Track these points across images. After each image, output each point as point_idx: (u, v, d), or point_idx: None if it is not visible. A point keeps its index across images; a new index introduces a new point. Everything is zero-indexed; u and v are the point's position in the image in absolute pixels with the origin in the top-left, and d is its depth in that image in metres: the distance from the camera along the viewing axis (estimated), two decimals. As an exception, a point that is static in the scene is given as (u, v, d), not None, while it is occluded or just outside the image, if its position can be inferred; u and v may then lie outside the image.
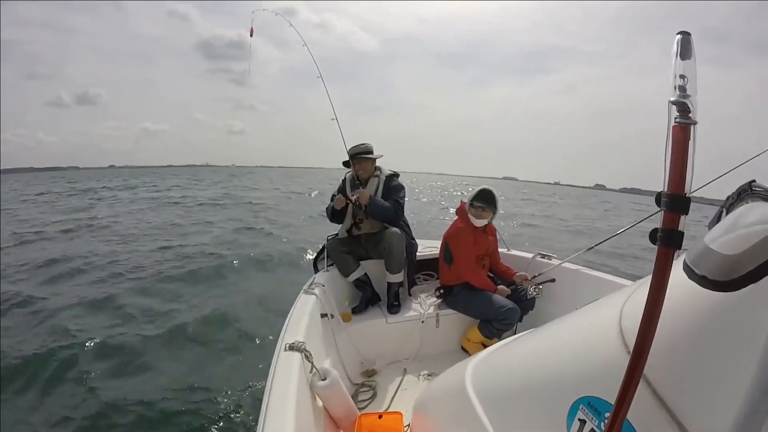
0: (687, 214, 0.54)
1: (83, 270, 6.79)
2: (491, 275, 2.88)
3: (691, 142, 0.53)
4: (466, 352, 2.82)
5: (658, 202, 0.55)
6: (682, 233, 0.53)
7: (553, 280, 2.82)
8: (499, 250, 3.06)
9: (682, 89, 0.54)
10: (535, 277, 2.83)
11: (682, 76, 0.54)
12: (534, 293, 2.71)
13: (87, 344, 4.03)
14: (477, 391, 1.02)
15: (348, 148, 2.96)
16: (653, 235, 0.55)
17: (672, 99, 0.54)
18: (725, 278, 0.52)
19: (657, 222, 0.56)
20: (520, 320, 2.66)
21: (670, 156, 0.53)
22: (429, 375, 2.57)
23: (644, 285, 0.76)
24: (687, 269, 0.59)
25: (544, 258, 3.06)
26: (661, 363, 0.57)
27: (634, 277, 2.61)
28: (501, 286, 2.74)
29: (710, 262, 0.55)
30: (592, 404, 0.66)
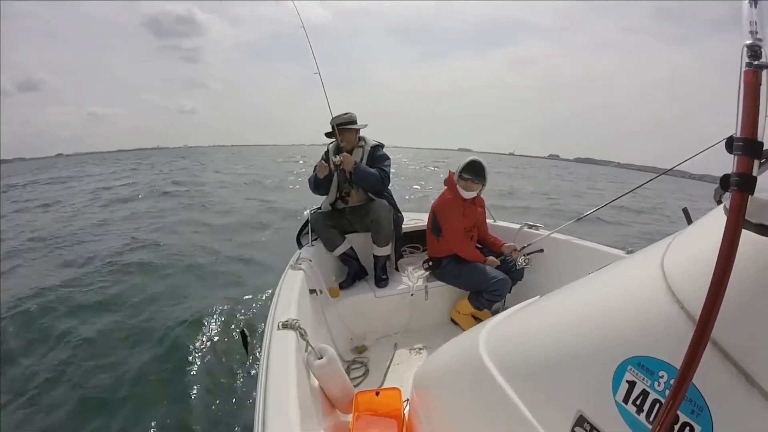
0: (760, 158, 0.52)
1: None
2: (479, 246, 2.84)
3: (763, 87, 0.51)
4: (456, 324, 2.81)
5: (729, 147, 0.53)
6: (756, 178, 0.52)
7: (541, 251, 2.80)
8: (487, 221, 3.02)
9: (754, 34, 0.52)
10: (524, 247, 2.81)
11: (753, 23, 0.52)
12: (523, 264, 2.69)
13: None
14: (495, 361, 0.96)
15: (331, 117, 2.82)
16: (725, 181, 0.54)
17: (747, 42, 0.52)
18: None
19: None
20: (510, 291, 2.64)
21: (742, 101, 0.52)
22: (420, 349, 2.55)
23: (683, 236, 0.72)
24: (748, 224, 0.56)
25: (531, 228, 3.04)
26: (728, 320, 0.53)
27: (617, 246, 2.64)
28: (490, 257, 2.71)
29: None
30: (643, 364, 0.62)
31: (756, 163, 0.52)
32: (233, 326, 3.95)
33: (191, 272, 5.66)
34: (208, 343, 3.66)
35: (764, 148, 0.52)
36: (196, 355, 3.47)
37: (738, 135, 0.52)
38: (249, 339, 3.59)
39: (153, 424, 2.69)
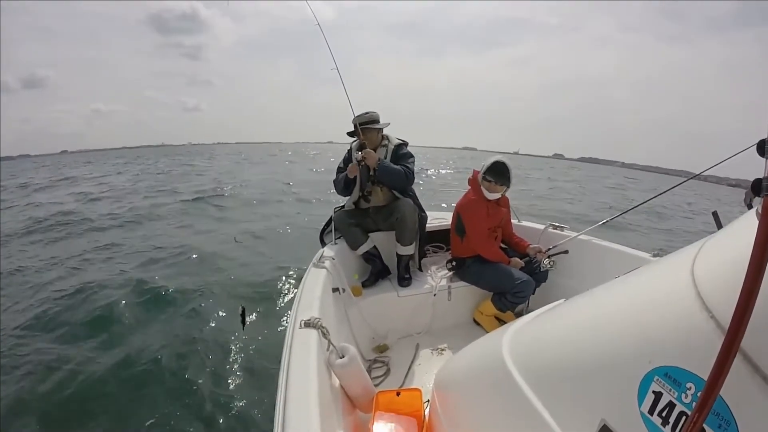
0: None
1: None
2: (504, 247, 2.81)
3: None
4: (479, 325, 2.78)
5: (760, 150, 0.53)
6: None
7: (566, 252, 2.76)
8: (511, 221, 2.98)
9: None
10: (548, 249, 2.76)
11: None
12: (548, 266, 2.65)
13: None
14: (519, 365, 0.95)
15: (356, 114, 2.81)
16: (757, 186, 0.53)
17: None
18: None
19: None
20: (533, 293, 2.61)
21: None
22: (442, 349, 2.54)
23: (714, 241, 0.70)
24: None
25: (556, 229, 2.99)
26: (760, 330, 0.51)
27: (644, 249, 2.56)
28: (514, 258, 2.67)
29: None
30: (670, 374, 0.61)
31: None
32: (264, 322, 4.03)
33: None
34: (234, 338, 3.74)
35: None
36: (220, 351, 3.55)
37: None
38: (246, 316, 3.77)
39: (172, 419, 2.76)
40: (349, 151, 2.89)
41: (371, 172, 2.79)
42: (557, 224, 3.02)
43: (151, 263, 6.04)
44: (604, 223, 2.74)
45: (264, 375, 3.20)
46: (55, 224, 8.98)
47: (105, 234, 8.08)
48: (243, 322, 3.61)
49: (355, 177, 2.82)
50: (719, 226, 1.09)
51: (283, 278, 5.20)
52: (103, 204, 12.13)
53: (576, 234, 2.81)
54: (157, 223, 9.21)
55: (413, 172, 2.79)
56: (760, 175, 0.52)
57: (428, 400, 1.70)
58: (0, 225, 8.87)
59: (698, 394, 0.54)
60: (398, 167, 2.72)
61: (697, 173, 2.12)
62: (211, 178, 20.19)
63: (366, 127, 2.78)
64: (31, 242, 7.64)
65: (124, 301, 4.45)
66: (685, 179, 2.35)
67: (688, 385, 0.58)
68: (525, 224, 3.22)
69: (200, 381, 3.14)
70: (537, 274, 2.64)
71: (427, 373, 2.29)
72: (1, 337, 3.77)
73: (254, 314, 4.23)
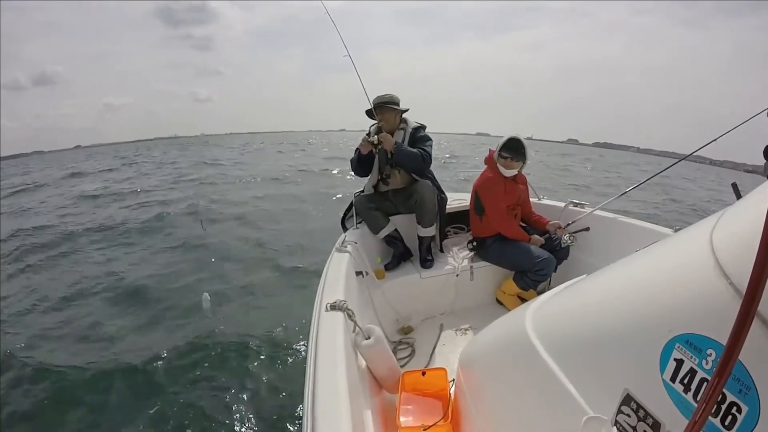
0: None
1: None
2: (524, 225, 2.80)
3: None
4: (502, 304, 2.79)
5: None
6: None
7: (587, 229, 2.73)
8: (531, 199, 2.96)
9: None
10: (568, 225, 2.74)
11: None
12: (569, 242, 2.63)
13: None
14: (542, 338, 0.96)
15: (373, 98, 2.81)
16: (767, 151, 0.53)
17: None
18: None
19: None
20: (555, 270, 2.60)
21: None
22: (466, 329, 2.56)
23: (731, 212, 0.70)
24: None
25: (576, 207, 2.95)
26: None
27: (665, 224, 2.52)
28: (534, 236, 2.66)
29: None
30: (691, 341, 0.61)
31: None
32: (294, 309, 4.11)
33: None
34: (262, 323, 3.86)
35: None
36: (246, 335, 3.66)
37: None
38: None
39: (203, 400, 2.87)
40: (368, 134, 2.89)
41: (389, 156, 2.79)
42: (578, 201, 2.98)
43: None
44: (621, 195, 2.70)
45: (291, 357, 3.30)
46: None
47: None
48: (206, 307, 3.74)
49: (373, 159, 2.84)
50: (738, 196, 1.08)
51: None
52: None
53: (594, 209, 2.78)
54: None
55: (431, 155, 2.78)
56: None
57: (453, 379, 1.74)
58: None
59: (718, 361, 0.54)
60: (415, 150, 2.72)
61: (700, 147, 2.13)
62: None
63: (385, 106, 2.77)
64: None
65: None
66: (684, 157, 2.36)
67: (709, 351, 0.58)
68: (545, 202, 3.19)
69: (229, 365, 3.27)
70: (558, 252, 2.63)
71: (452, 353, 2.31)
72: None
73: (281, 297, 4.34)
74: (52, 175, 22.68)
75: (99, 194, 12.92)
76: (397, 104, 2.81)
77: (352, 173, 3.04)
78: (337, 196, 10.61)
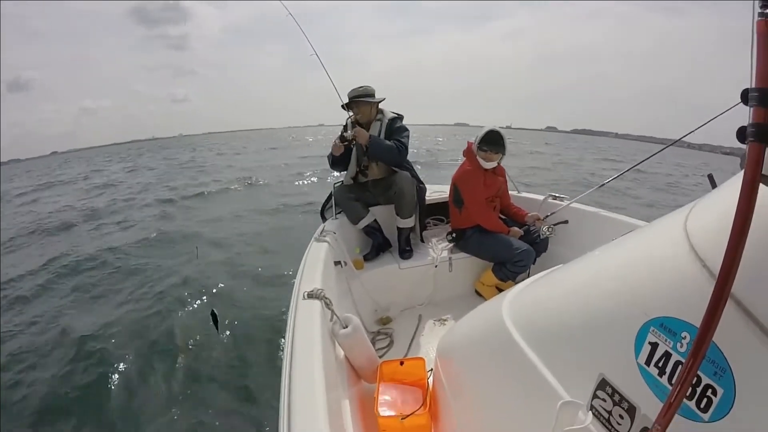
0: None
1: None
2: (503, 217, 2.81)
3: None
4: (480, 295, 2.81)
5: (744, 99, 0.53)
6: None
7: (566, 222, 2.75)
8: (510, 192, 2.97)
9: None
10: (547, 217, 2.77)
11: None
12: (548, 233, 2.65)
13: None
14: (519, 326, 0.96)
15: (347, 92, 2.78)
16: (741, 134, 0.53)
17: None
18: None
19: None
20: (534, 262, 2.62)
21: (756, 52, 0.52)
22: (445, 320, 2.57)
23: (706, 200, 0.71)
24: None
25: (555, 200, 2.98)
26: (751, 277, 0.52)
27: (645, 218, 2.56)
28: (514, 228, 2.67)
29: None
30: (665, 325, 0.62)
31: None
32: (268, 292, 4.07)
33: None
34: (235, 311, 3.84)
35: None
36: (224, 324, 3.64)
37: (753, 86, 0.52)
38: (218, 318, 3.75)
39: (180, 394, 2.84)
40: (345, 127, 2.86)
41: (364, 150, 2.78)
42: (557, 194, 3.01)
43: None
44: (600, 186, 2.73)
45: (268, 346, 3.28)
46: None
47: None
48: (216, 325, 3.63)
49: (350, 153, 2.82)
50: (714, 186, 1.10)
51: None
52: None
53: (571, 200, 2.80)
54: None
55: (406, 147, 2.77)
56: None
57: (431, 369, 1.74)
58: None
59: (693, 342, 0.55)
60: (390, 143, 2.70)
61: (679, 138, 2.16)
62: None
63: (360, 100, 2.75)
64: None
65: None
66: (671, 143, 2.39)
67: (683, 334, 0.59)
68: (524, 195, 3.21)
69: (205, 353, 3.26)
70: (537, 244, 2.65)
71: (430, 343, 2.32)
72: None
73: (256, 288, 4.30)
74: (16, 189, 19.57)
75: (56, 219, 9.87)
76: (372, 96, 2.78)
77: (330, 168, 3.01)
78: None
